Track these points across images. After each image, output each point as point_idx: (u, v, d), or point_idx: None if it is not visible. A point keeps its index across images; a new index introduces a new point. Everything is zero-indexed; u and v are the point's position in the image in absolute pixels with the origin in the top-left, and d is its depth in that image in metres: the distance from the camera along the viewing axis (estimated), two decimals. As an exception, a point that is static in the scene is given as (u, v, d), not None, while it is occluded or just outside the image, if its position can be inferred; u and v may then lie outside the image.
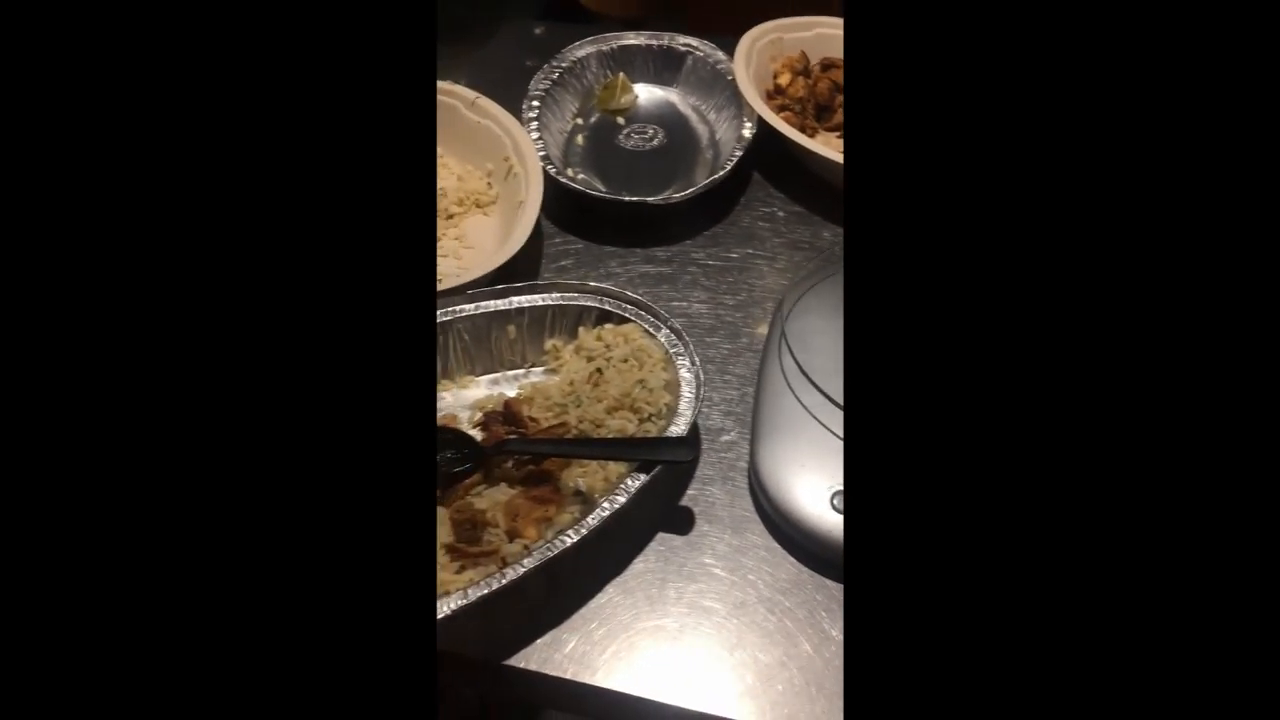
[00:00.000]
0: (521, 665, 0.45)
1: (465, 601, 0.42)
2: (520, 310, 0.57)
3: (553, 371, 0.58)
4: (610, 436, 0.53)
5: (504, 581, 0.43)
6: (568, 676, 0.45)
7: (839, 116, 0.77)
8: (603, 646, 0.46)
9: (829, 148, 0.69)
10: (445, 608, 0.42)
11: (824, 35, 0.81)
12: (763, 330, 0.61)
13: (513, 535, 0.48)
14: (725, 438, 0.56)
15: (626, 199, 0.67)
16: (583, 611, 0.47)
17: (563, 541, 0.45)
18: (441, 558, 0.47)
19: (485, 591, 0.43)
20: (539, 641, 0.46)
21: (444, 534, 0.48)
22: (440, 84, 0.72)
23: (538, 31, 0.92)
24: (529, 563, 0.44)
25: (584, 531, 0.46)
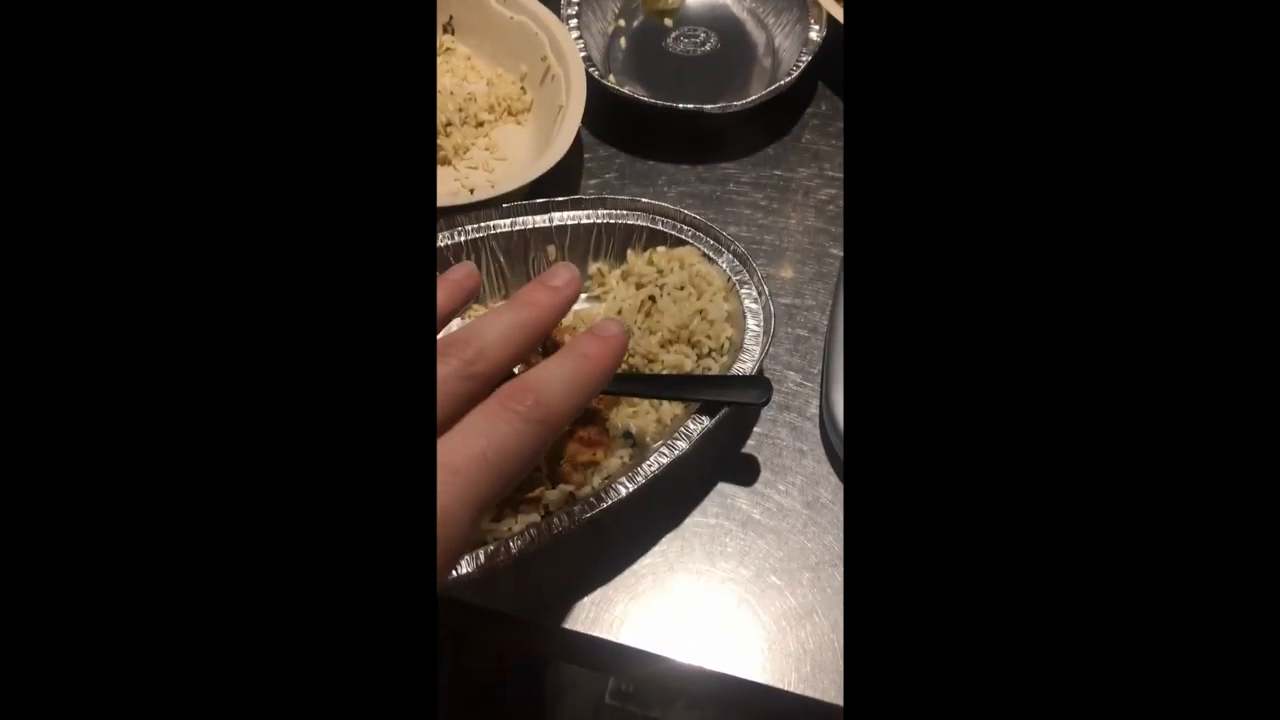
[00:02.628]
0: (566, 627, 0.40)
1: (506, 555, 0.37)
2: (561, 228, 0.51)
3: (597, 299, 0.52)
4: (666, 373, 0.46)
5: (551, 533, 0.38)
6: (619, 640, 0.40)
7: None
8: (655, 609, 0.41)
9: (910, 54, 0.61)
10: (480, 558, 0.37)
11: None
12: (834, 257, 0.55)
13: (556, 480, 0.42)
14: (791, 378, 0.50)
15: (681, 107, 0.59)
16: (634, 568, 0.42)
17: (616, 492, 0.40)
18: (476, 504, 0.41)
19: (524, 544, 0.38)
20: (585, 600, 0.41)
21: (478, 477, 0.42)
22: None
23: None
24: (576, 513, 0.39)
25: (639, 480, 0.40)
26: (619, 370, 0.46)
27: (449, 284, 0.37)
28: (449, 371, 0.29)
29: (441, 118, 0.59)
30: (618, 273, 0.51)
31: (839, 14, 0.62)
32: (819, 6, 0.63)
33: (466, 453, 0.26)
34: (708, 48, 0.69)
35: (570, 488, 0.42)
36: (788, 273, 0.55)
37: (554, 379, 0.30)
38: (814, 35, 0.64)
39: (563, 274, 0.35)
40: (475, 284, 0.38)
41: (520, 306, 0.33)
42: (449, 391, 0.29)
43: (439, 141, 0.59)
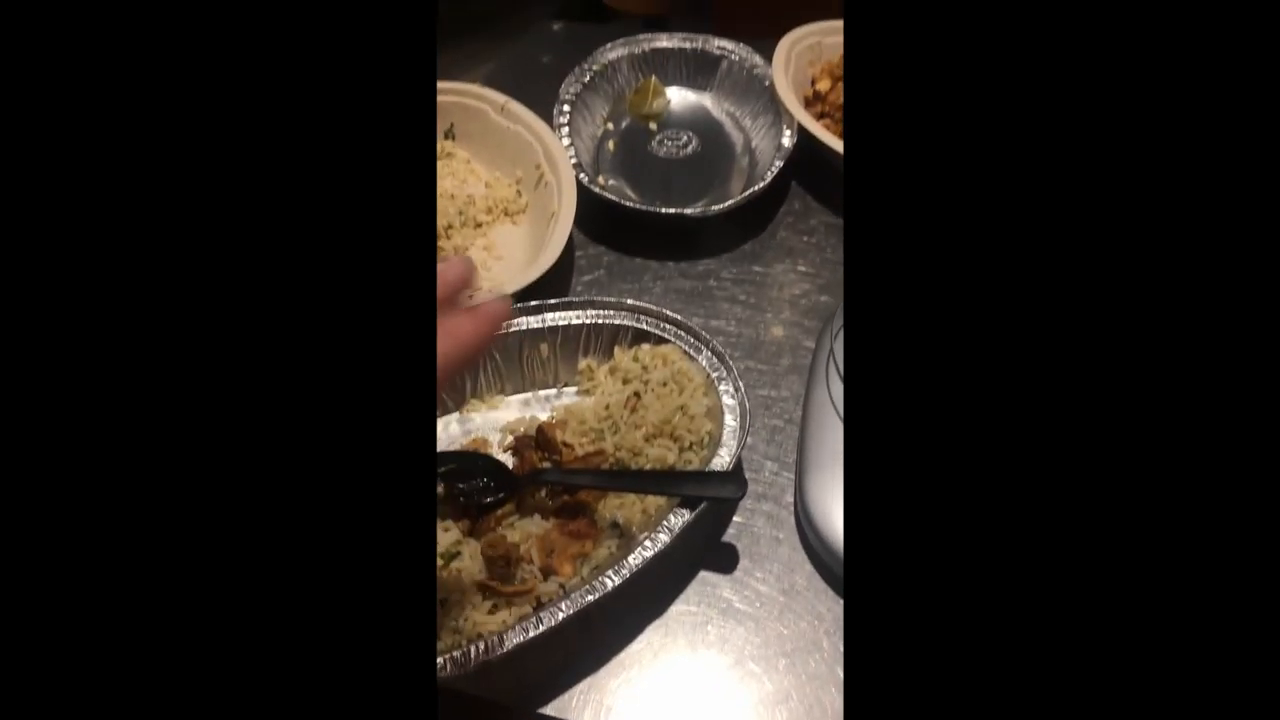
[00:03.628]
0: (556, 715, 0.43)
1: (503, 649, 0.40)
2: (554, 328, 0.55)
3: (586, 393, 0.55)
4: (650, 468, 0.50)
5: (541, 629, 0.41)
6: (606, 727, 0.42)
7: (881, 125, 0.74)
8: (642, 695, 0.43)
9: (874, 159, 0.66)
10: (480, 654, 0.40)
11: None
12: (807, 352, 0.59)
13: (547, 572, 0.45)
14: (768, 468, 0.53)
15: (663, 211, 0.64)
16: (621, 657, 0.45)
17: (602, 584, 0.42)
18: (474, 596, 0.44)
19: (522, 639, 0.40)
20: (575, 689, 0.43)
21: (476, 570, 0.45)
22: (468, 87, 0.70)
23: (556, 28, 0.89)
24: (567, 606, 0.42)
25: (624, 573, 0.43)
26: (607, 467, 0.50)
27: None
28: None
29: (443, 221, 0.64)
30: (606, 368, 0.55)
31: (808, 122, 0.68)
32: (789, 114, 0.69)
33: None
34: (690, 149, 0.74)
35: (561, 578, 0.45)
36: (764, 365, 0.58)
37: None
38: (785, 141, 0.69)
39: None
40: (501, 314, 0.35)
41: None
42: None
43: (440, 244, 0.64)
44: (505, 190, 0.68)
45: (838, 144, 0.66)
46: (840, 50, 0.77)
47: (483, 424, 0.54)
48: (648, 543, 0.44)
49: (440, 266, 0.33)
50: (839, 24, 0.78)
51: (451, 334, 0.32)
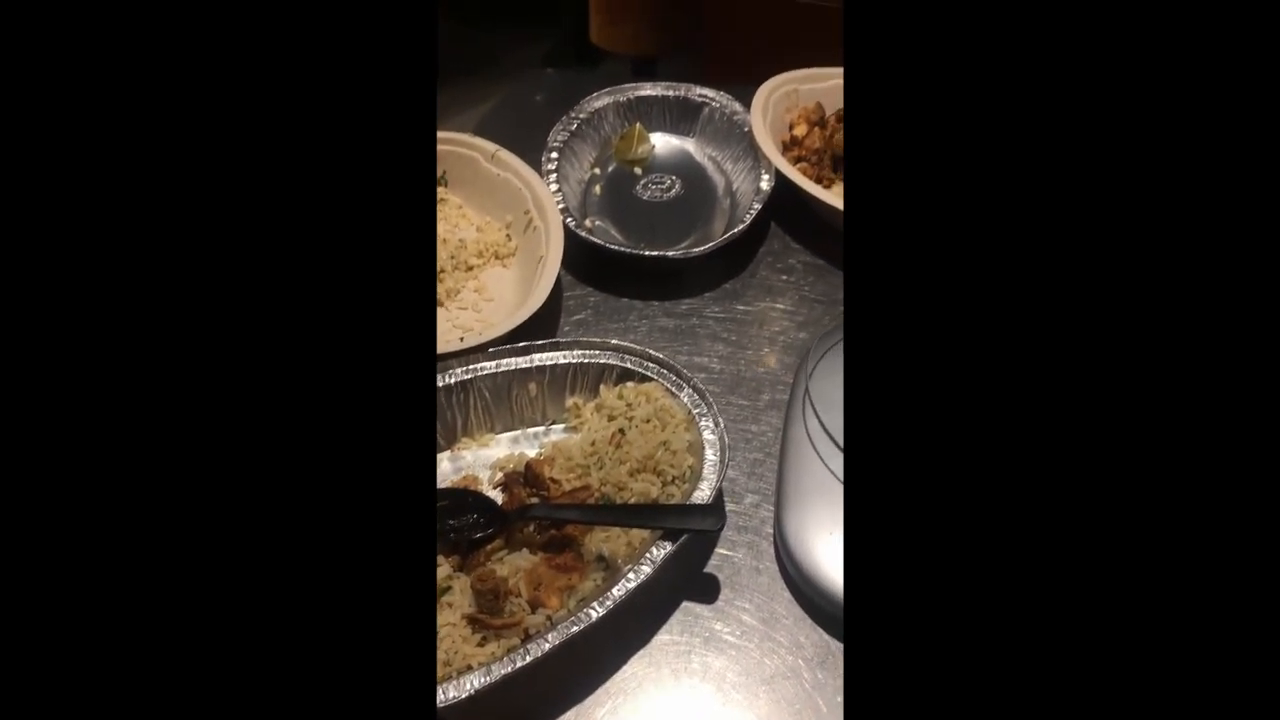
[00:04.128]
0: (545, 744, 0.44)
1: (490, 679, 0.41)
2: (541, 368, 0.57)
3: (573, 429, 0.57)
4: (633, 501, 0.52)
5: (528, 660, 0.42)
6: (592, 755, 0.44)
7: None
8: (627, 723, 0.45)
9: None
10: (469, 685, 0.41)
11: (840, 87, 0.81)
12: (785, 387, 0.61)
13: (535, 605, 0.47)
14: (749, 500, 0.55)
15: (647, 253, 0.67)
16: (606, 686, 0.46)
17: (587, 616, 0.44)
18: (463, 629, 0.45)
19: (510, 669, 0.42)
20: (563, 718, 0.45)
21: (465, 604, 0.47)
22: (460, 136, 0.73)
23: (549, 71, 0.93)
24: (553, 638, 0.43)
25: (609, 604, 0.45)
26: (593, 502, 0.52)
27: None
28: None
29: (437, 265, 0.67)
30: (592, 405, 0.57)
31: (785, 167, 0.71)
32: (768, 159, 0.72)
33: None
34: (673, 192, 0.77)
35: (549, 610, 0.47)
36: (746, 400, 0.61)
37: None
38: (764, 185, 0.72)
39: None
40: None
41: None
42: None
43: (433, 287, 0.66)
44: (496, 235, 0.71)
45: (813, 187, 0.69)
46: (815, 98, 0.81)
47: (473, 461, 0.56)
48: (631, 574, 0.46)
49: None
50: (814, 72, 0.82)
51: None
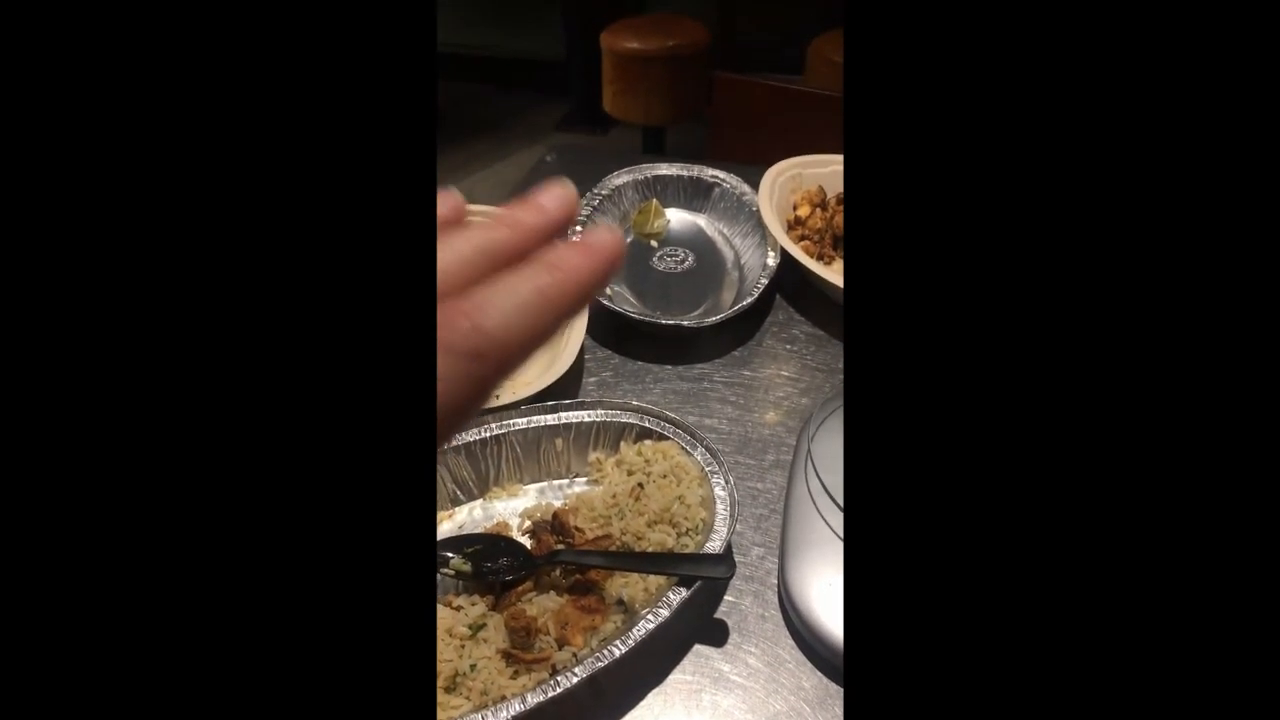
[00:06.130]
0: (569, 771, 0.48)
1: (525, 708, 0.46)
2: (568, 425, 0.63)
3: (595, 482, 0.63)
4: (652, 550, 0.57)
5: (558, 690, 0.47)
6: (612, 783, 0.48)
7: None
8: (644, 754, 0.49)
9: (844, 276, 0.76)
10: (505, 713, 0.46)
11: (840, 172, 0.89)
12: (788, 449, 0.66)
13: (562, 643, 0.52)
14: (755, 552, 0.60)
15: (663, 321, 0.73)
16: (625, 719, 0.51)
17: (610, 653, 0.49)
18: (498, 662, 0.50)
19: (541, 699, 0.47)
20: (585, 748, 0.49)
21: (499, 639, 0.51)
22: (483, 209, 0.80)
23: (557, 145, 1.01)
24: (580, 671, 0.48)
25: (630, 643, 0.50)
26: (614, 549, 0.57)
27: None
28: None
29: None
30: (613, 460, 0.63)
31: (789, 245, 0.78)
32: (773, 237, 0.79)
33: None
34: (687, 265, 0.84)
35: (574, 648, 0.51)
36: (752, 460, 0.66)
37: (501, 302, 0.23)
38: (770, 261, 0.79)
39: (555, 193, 0.27)
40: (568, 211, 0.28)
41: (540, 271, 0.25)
42: None
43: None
44: (524, 300, 0.77)
45: (815, 264, 0.76)
46: (818, 181, 0.88)
47: (504, 510, 0.61)
48: (649, 617, 0.51)
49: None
50: (817, 158, 0.90)
51: (559, 267, 0.24)
